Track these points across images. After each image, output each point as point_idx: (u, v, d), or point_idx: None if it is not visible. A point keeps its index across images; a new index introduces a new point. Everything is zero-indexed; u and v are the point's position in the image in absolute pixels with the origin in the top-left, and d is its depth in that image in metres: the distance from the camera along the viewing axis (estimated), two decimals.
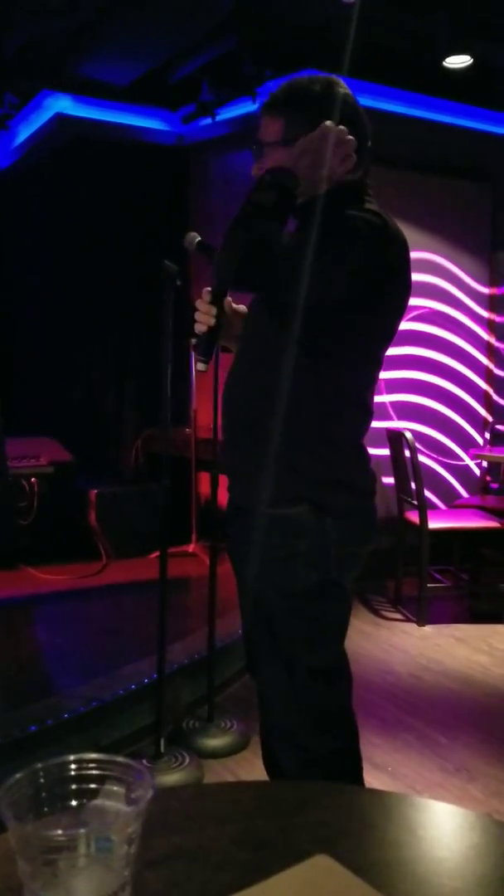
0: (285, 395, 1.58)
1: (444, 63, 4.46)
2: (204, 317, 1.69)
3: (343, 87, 1.65)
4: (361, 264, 1.50)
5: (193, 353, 1.74)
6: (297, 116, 1.61)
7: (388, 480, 4.57)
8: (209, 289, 1.70)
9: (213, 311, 1.68)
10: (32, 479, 4.77)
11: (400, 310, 1.67)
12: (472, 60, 4.41)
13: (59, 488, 4.86)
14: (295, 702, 1.66)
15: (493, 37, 4.26)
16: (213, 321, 1.68)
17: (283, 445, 1.59)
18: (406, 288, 1.65)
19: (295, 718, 1.67)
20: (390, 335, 1.68)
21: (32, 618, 4.02)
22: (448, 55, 4.39)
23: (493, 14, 4.03)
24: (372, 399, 1.73)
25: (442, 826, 0.96)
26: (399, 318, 1.68)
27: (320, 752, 1.67)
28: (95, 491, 4.93)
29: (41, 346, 5.75)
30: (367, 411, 1.72)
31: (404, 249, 1.61)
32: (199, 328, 1.70)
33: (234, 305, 1.79)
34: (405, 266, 1.62)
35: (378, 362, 1.70)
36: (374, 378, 1.71)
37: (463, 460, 5.53)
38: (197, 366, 1.71)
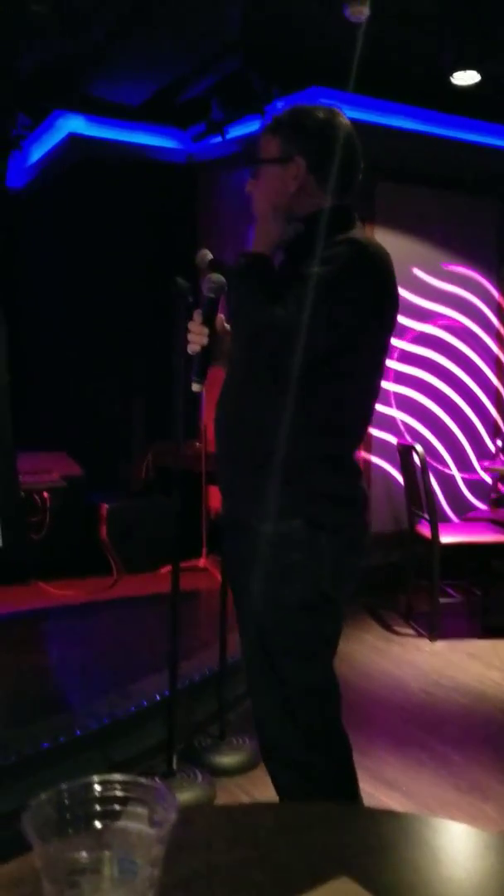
0: (276, 410, 1.60)
1: (452, 79, 4.49)
2: (196, 337, 1.76)
3: (343, 118, 1.74)
4: (339, 314, 1.56)
5: (189, 375, 1.78)
6: (296, 136, 1.69)
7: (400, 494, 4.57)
8: (200, 310, 1.77)
9: (206, 331, 1.75)
10: (44, 494, 4.79)
11: (389, 328, 1.71)
12: (479, 77, 4.44)
13: (70, 503, 4.87)
14: (287, 717, 1.67)
15: (501, 53, 4.29)
16: (205, 341, 1.75)
17: (276, 460, 1.62)
18: (391, 313, 1.69)
19: (287, 735, 1.68)
20: (381, 350, 1.71)
21: (44, 633, 4.03)
22: (455, 71, 4.42)
23: (500, 31, 4.05)
24: (367, 410, 1.76)
25: (461, 847, 0.96)
26: (389, 334, 1.72)
27: (314, 769, 1.68)
28: (106, 505, 4.94)
29: (52, 361, 5.78)
30: (362, 424, 1.76)
31: (384, 277, 1.65)
32: (193, 348, 1.77)
33: (227, 325, 1.82)
34: (385, 297, 1.66)
35: (374, 374, 1.73)
36: (370, 389, 1.73)
37: (474, 473, 5.52)
38: (192, 386, 1.77)
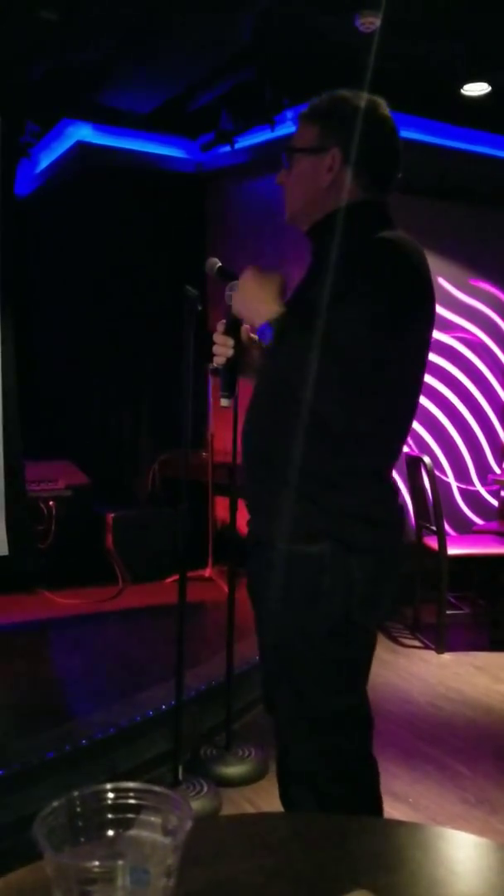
0: (305, 426, 1.50)
1: (463, 91, 4.50)
2: (221, 349, 1.66)
3: (385, 109, 1.63)
4: (384, 316, 1.44)
5: (218, 389, 1.70)
6: (334, 125, 1.59)
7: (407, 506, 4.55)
8: (224, 321, 1.67)
9: (230, 342, 1.65)
10: (50, 503, 4.78)
11: (427, 342, 1.61)
12: (490, 88, 4.45)
13: (76, 512, 4.86)
14: (313, 746, 1.59)
15: None
16: (230, 352, 1.65)
17: (303, 478, 1.52)
18: (430, 322, 1.58)
19: (314, 763, 1.60)
20: (421, 360, 1.61)
21: (49, 642, 4.01)
22: (466, 83, 4.43)
23: None
24: (402, 428, 1.64)
25: (478, 861, 0.94)
26: (427, 346, 1.61)
27: (340, 799, 1.59)
28: (112, 515, 4.93)
29: (59, 369, 5.78)
30: (398, 439, 1.64)
31: (424, 280, 1.54)
32: (218, 360, 1.67)
33: (252, 335, 1.71)
34: (426, 302, 1.55)
35: (408, 389, 1.61)
36: (404, 405, 1.62)
37: (482, 485, 5.50)
38: (221, 402, 1.67)
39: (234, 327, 1.67)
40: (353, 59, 3.57)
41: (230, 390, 1.66)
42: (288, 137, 1.74)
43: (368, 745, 1.66)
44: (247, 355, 1.71)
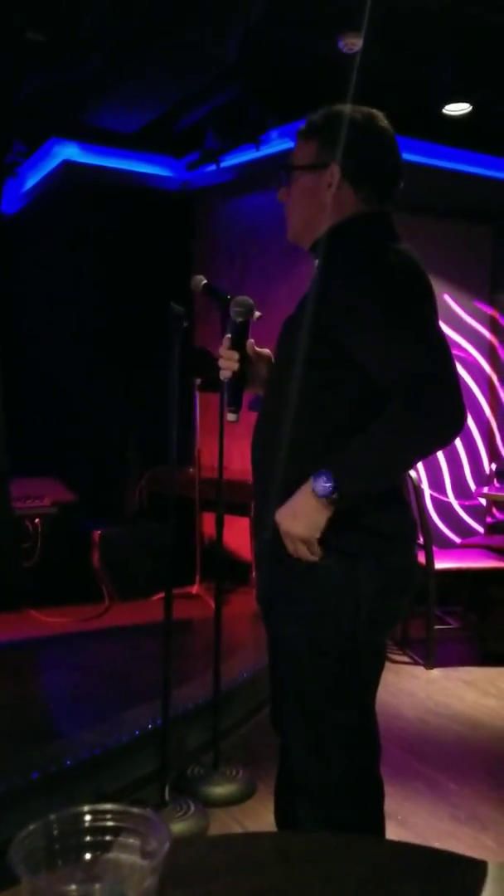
0: (315, 441, 1.51)
1: (444, 110, 4.55)
2: (227, 363, 1.65)
3: (383, 121, 1.64)
4: (426, 324, 1.46)
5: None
6: (332, 140, 1.58)
7: None
8: (229, 335, 1.67)
9: (236, 356, 1.65)
10: (36, 520, 4.75)
11: None
12: (471, 107, 4.50)
13: (62, 529, 4.83)
14: (321, 763, 1.58)
15: (492, 84, 4.35)
16: (236, 366, 1.65)
17: None
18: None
19: (320, 780, 1.59)
20: None
21: (35, 661, 3.97)
22: (448, 103, 4.48)
23: (491, 62, 4.12)
24: None
25: (461, 879, 0.93)
26: None
27: (345, 816, 1.59)
28: (99, 532, 4.91)
29: (45, 386, 5.77)
30: None
31: (427, 281, 1.57)
32: (224, 374, 1.66)
33: (258, 348, 1.71)
34: (432, 297, 1.58)
35: None
36: None
37: (468, 499, 5.51)
38: (228, 416, 1.66)
39: (239, 341, 1.67)
40: (337, 78, 3.62)
41: (237, 404, 1.66)
42: (281, 155, 1.76)
43: (376, 764, 1.66)
44: (253, 369, 1.70)
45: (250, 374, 1.69)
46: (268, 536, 1.59)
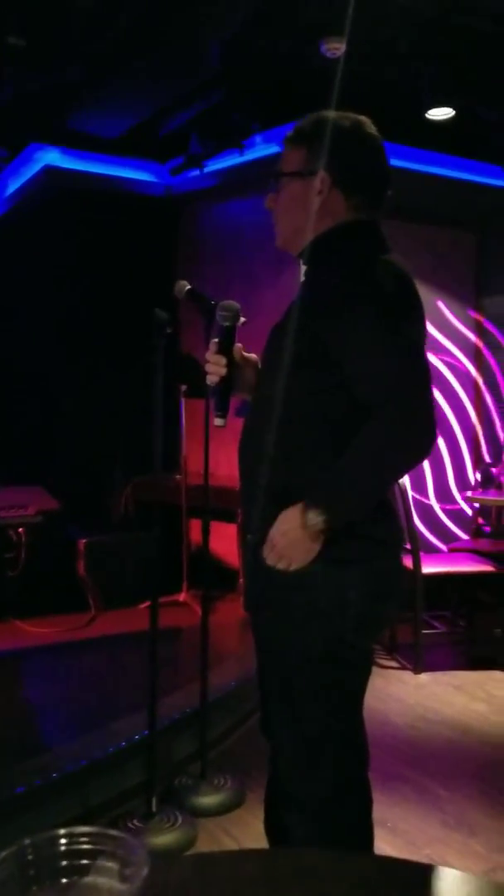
0: (302, 447, 1.52)
1: (427, 115, 4.55)
2: (215, 368, 1.65)
3: (371, 127, 1.64)
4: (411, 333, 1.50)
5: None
6: (321, 147, 1.58)
7: None
8: (216, 339, 1.66)
9: (223, 360, 1.64)
10: (20, 529, 4.70)
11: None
12: (454, 112, 4.51)
13: (47, 538, 4.79)
14: (310, 770, 1.58)
15: (475, 89, 4.36)
16: (224, 371, 1.64)
17: (291, 496, 1.51)
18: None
19: (310, 787, 1.59)
20: None
21: (20, 672, 3.93)
22: (431, 107, 4.48)
23: (474, 66, 4.13)
24: None
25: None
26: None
27: (334, 823, 1.58)
28: (84, 540, 4.87)
29: (29, 393, 5.73)
30: None
31: (419, 303, 1.58)
32: (211, 379, 1.66)
33: (245, 353, 1.72)
34: (423, 322, 1.60)
35: None
36: None
37: (455, 503, 5.51)
38: (215, 421, 1.66)
39: (227, 346, 1.66)
40: (320, 83, 3.62)
41: (224, 409, 1.66)
42: (265, 160, 1.76)
43: (365, 769, 1.66)
44: (239, 374, 1.70)
45: (237, 380, 1.69)
46: (254, 541, 1.59)
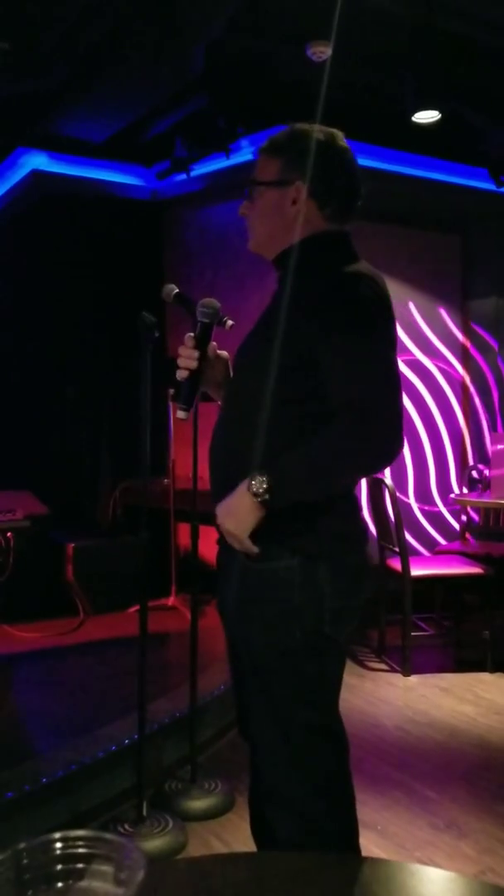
0: (274, 448, 1.55)
1: (413, 118, 4.57)
2: (186, 361, 1.68)
3: (343, 141, 1.71)
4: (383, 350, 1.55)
5: (174, 402, 1.72)
6: (297, 159, 1.65)
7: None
8: (192, 334, 1.69)
9: (196, 354, 1.68)
10: (8, 534, 4.68)
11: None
12: (439, 116, 4.53)
13: (35, 543, 4.77)
14: (291, 765, 1.60)
15: (460, 93, 4.39)
16: (195, 364, 1.67)
17: None
18: (394, 346, 1.67)
19: (292, 783, 1.60)
20: None
21: (8, 677, 3.91)
22: (416, 111, 4.50)
23: (460, 70, 4.15)
24: None
25: (440, 894, 0.91)
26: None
27: (318, 818, 1.60)
28: (73, 545, 4.85)
29: (16, 398, 5.71)
30: None
31: (389, 305, 1.62)
32: (182, 373, 1.68)
33: (218, 351, 1.76)
34: (394, 329, 1.65)
35: None
36: None
37: (441, 505, 5.53)
38: (178, 414, 1.69)
39: (203, 340, 1.69)
40: (306, 87, 3.63)
41: (188, 403, 1.68)
42: (247, 167, 1.78)
43: (345, 762, 1.67)
44: (211, 371, 1.74)
45: (207, 375, 1.73)
46: (219, 539, 1.65)
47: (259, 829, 1.76)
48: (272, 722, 1.60)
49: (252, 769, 1.71)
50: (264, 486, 1.50)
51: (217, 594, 1.72)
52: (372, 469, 1.62)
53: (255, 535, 1.55)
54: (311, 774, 1.60)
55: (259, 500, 1.51)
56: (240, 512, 1.54)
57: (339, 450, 1.51)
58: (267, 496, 1.50)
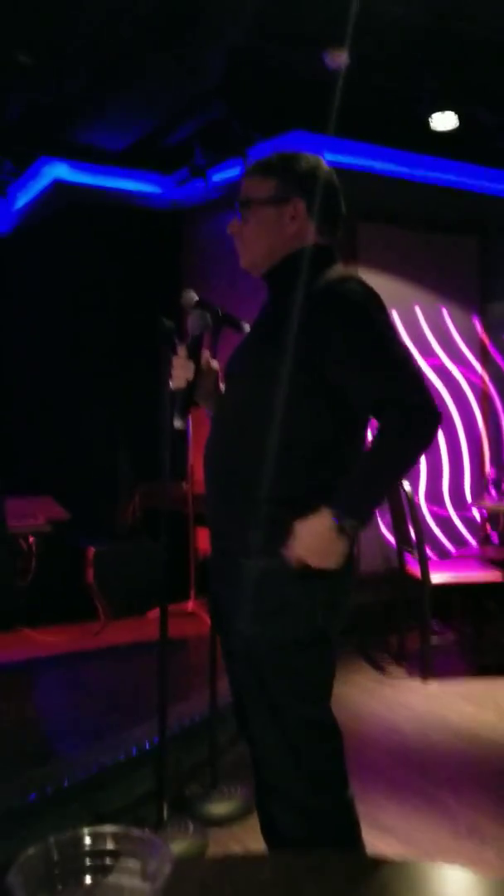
0: (271, 450, 1.60)
1: (430, 122, 4.58)
2: (181, 372, 1.74)
3: (324, 165, 1.80)
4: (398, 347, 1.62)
5: (172, 411, 1.77)
6: (293, 178, 1.73)
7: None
8: (185, 344, 1.76)
9: (191, 366, 1.74)
10: (30, 539, 4.72)
11: None
12: (456, 118, 4.53)
13: (56, 547, 4.81)
14: (290, 759, 1.64)
15: (477, 96, 4.39)
16: (190, 375, 1.74)
17: (267, 497, 1.61)
18: None
19: (291, 777, 1.65)
20: None
21: (31, 681, 3.94)
22: (433, 114, 4.51)
23: (476, 74, 4.15)
24: (363, 444, 1.76)
25: (457, 892, 0.92)
26: None
27: (319, 810, 1.65)
28: (93, 549, 4.88)
29: (37, 403, 5.76)
30: (352, 461, 1.73)
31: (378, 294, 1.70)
32: (177, 384, 1.75)
33: (211, 361, 1.83)
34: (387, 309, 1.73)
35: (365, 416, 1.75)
36: (361, 428, 1.74)
37: (462, 511, 5.51)
38: (175, 423, 1.75)
39: (195, 351, 1.75)
40: (323, 92, 3.65)
41: (184, 412, 1.75)
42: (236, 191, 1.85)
43: (342, 756, 1.71)
44: (206, 381, 1.81)
45: (202, 386, 1.79)
46: (258, 565, 1.64)
47: (267, 829, 1.79)
48: (268, 717, 1.65)
49: (254, 768, 1.75)
50: (356, 529, 1.57)
51: (210, 596, 1.76)
52: (424, 452, 1.66)
53: (253, 535, 1.62)
54: (310, 767, 1.65)
55: (352, 541, 1.59)
56: (336, 554, 1.58)
57: (398, 451, 1.59)
58: (356, 531, 1.59)
